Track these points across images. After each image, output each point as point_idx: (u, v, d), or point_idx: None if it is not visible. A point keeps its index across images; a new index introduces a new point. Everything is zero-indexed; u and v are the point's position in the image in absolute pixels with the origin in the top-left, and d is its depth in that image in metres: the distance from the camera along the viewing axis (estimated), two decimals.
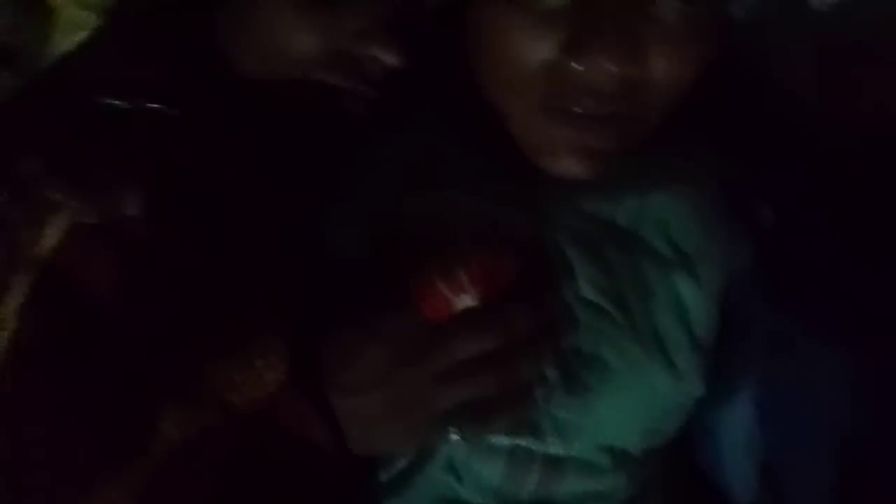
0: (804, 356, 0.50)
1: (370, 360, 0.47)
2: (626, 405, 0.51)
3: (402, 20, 0.54)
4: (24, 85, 0.60)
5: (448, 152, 0.55)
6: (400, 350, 0.46)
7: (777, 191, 0.51)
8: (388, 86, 0.56)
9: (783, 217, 0.51)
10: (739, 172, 0.54)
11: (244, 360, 0.48)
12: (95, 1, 0.98)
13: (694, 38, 0.46)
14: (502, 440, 0.51)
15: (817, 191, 0.50)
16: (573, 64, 0.45)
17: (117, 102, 0.50)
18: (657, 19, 0.45)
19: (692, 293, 0.52)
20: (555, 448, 0.51)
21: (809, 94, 0.55)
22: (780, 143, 0.52)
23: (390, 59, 0.54)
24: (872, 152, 0.50)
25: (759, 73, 0.55)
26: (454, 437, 0.47)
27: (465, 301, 0.47)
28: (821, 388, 0.50)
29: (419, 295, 0.48)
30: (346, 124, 0.57)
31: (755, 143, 0.54)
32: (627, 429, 0.53)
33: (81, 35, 1.00)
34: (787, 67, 0.56)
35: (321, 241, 0.55)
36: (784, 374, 0.51)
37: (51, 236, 0.49)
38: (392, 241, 0.53)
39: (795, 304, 0.50)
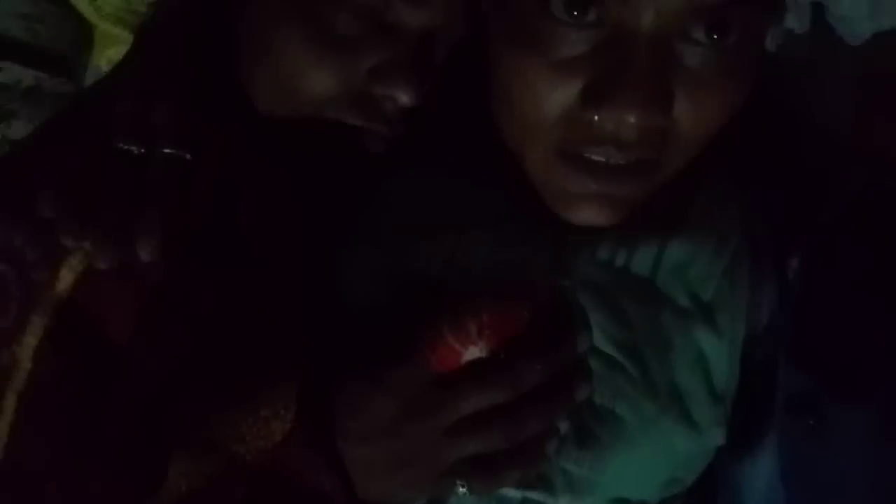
0: (827, 416, 0.48)
1: (378, 412, 0.46)
2: (642, 461, 0.50)
3: (420, 59, 0.53)
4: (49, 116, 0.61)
5: (465, 193, 0.54)
6: (408, 402, 0.45)
7: (805, 242, 0.49)
8: (406, 124, 0.56)
9: (809, 270, 0.48)
10: (765, 219, 0.52)
11: (251, 409, 0.48)
12: (128, 17, 0.99)
13: (723, 81, 0.44)
14: (513, 493, 0.50)
15: (846, 246, 0.48)
16: (594, 113, 0.44)
17: (134, 148, 0.50)
18: (682, 64, 0.43)
19: (713, 345, 0.50)
20: (566, 502, 0.50)
21: (844, 128, 0.52)
22: (810, 190, 0.50)
23: (406, 98, 0.53)
24: None
25: (791, 109, 0.53)
26: (462, 490, 0.46)
27: (474, 352, 0.46)
28: (845, 448, 0.48)
29: (429, 345, 0.47)
30: (364, 162, 0.57)
31: (784, 188, 0.52)
32: (643, 483, 0.51)
33: (116, 51, 1.01)
34: (822, 100, 0.54)
35: (337, 285, 0.54)
36: (807, 433, 0.49)
37: (66, 277, 0.50)
38: (407, 286, 0.52)
39: (819, 364, 0.48)
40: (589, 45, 0.44)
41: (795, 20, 0.51)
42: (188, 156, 0.51)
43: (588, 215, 0.48)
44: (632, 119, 0.43)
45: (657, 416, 0.49)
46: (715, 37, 0.43)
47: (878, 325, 0.47)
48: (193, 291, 0.51)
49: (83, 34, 1.07)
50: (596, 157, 0.46)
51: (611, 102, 0.43)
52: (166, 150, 0.50)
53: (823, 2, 0.49)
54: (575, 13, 0.43)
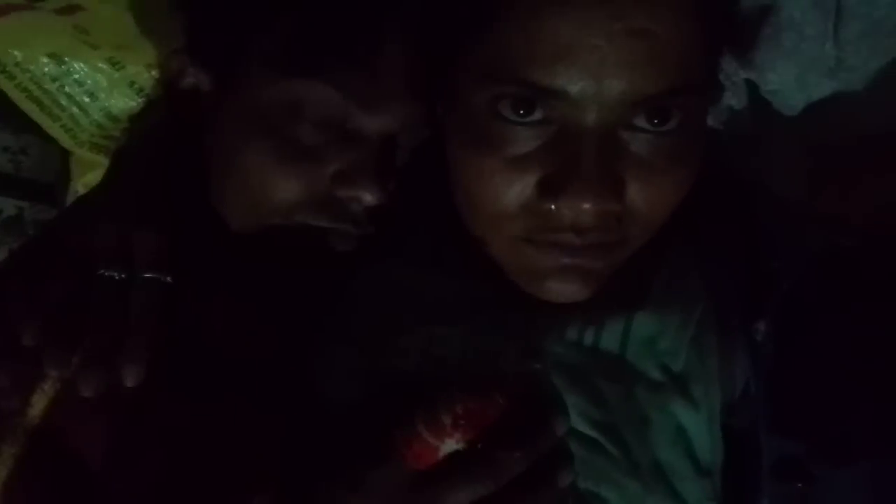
0: (816, 479, 0.47)
1: None
2: None
3: (381, 161, 0.55)
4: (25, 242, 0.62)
5: (435, 286, 0.55)
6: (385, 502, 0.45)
7: (770, 305, 0.50)
8: (374, 222, 0.57)
9: (778, 333, 0.49)
10: (728, 287, 0.52)
11: None
12: (104, 143, 1.01)
13: (670, 163, 0.47)
14: None
15: (811, 307, 0.48)
16: (551, 205, 0.46)
17: (116, 274, 0.51)
18: (629, 151, 0.46)
19: (690, 417, 0.50)
20: None
21: (798, 195, 0.54)
22: (769, 255, 0.51)
23: (370, 198, 0.55)
24: (868, 254, 0.49)
25: (743, 180, 0.55)
26: None
27: (451, 446, 0.46)
28: None
29: (405, 443, 0.46)
30: (335, 262, 0.58)
31: (743, 255, 0.53)
32: None
33: (93, 175, 1.03)
34: (772, 171, 0.55)
35: (314, 387, 0.54)
36: (797, 498, 0.48)
37: (38, 403, 0.50)
38: (384, 382, 0.52)
39: (801, 427, 0.48)
40: (539, 141, 0.46)
41: (733, 97, 0.54)
42: (169, 279, 0.51)
43: (560, 289, 0.49)
44: (587, 207, 0.45)
45: (643, 497, 0.48)
46: (656, 122, 0.45)
47: (855, 383, 0.47)
48: (169, 408, 0.51)
49: (67, 162, 1.10)
50: (557, 240, 0.48)
51: (566, 194, 0.45)
52: (148, 275, 0.51)
53: (754, 79, 0.51)
54: (522, 112, 0.46)
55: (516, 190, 0.47)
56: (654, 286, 0.52)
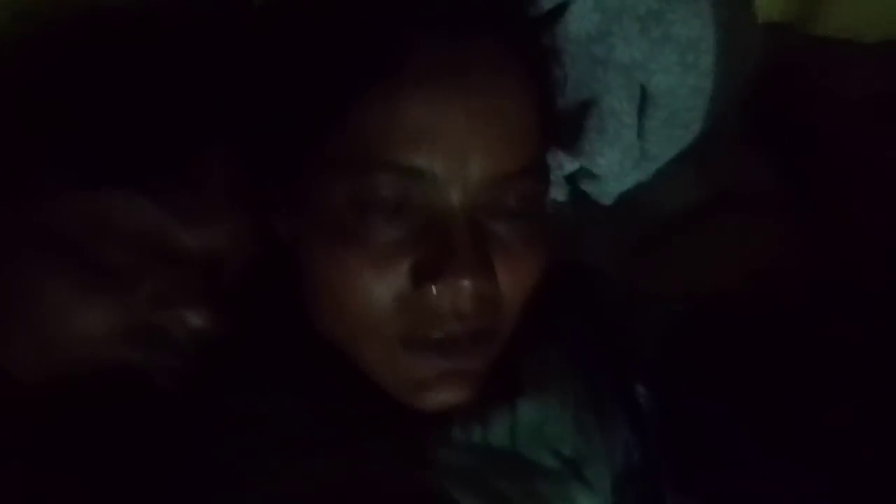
0: None
1: None
2: None
3: (207, 280, 0.49)
4: None
5: (292, 416, 0.48)
6: None
7: (642, 369, 0.50)
8: (203, 352, 0.49)
9: (656, 395, 0.49)
10: (592, 367, 0.52)
11: None
12: None
13: (529, 246, 0.47)
14: None
15: (679, 367, 0.50)
16: (431, 288, 0.43)
17: None
18: (495, 237, 0.46)
19: (589, 502, 0.47)
20: None
21: (628, 275, 0.57)
22: (625, 329, 0.52)
23: (198, 319, 0.47)
24: (702, 317, 0.52)
25: (583, 267, 0.57)
26: None
27: None
28: None
29: None
30: (160, 406, 0.48)
31: (599, 333, 0.54)
32: None
33: None
34: (606, 258, 0.59)
35: None
36: None
37: None
38: None
39: (700, 483, 0.47)
40: (405, 228, 0.44)
41: (557, 192, 0.57)
42: None
43: (444, 396, 0.46)
44: (467, 284, 0.43)
45: None
46: (512, 208, 0.46)
47: (739, 436, 0.48)
48: None
49: None
50: (437, 335, 0.45)
51: (446, 273, 0.43)
52: None
53: (586, 164, 0.55)
54: (384, 201, 0.44)
55: (389, 282, 0.44)
56: (523, 375, 0.50)
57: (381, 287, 0.44)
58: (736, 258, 0.60)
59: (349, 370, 0.48)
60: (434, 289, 0.43)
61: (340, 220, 0.45)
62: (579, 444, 0.49)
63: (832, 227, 0.61)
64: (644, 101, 0.53)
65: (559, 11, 0.51)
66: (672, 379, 0.49)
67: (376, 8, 0.45)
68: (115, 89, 0.48)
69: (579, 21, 0.51)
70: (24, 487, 0.43)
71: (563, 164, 0.56)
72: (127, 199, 0.46)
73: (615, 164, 0.55)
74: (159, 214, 0.47)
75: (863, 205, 0.59)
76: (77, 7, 0.51)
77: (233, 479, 0.44)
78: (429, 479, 0.44)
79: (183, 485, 0.46)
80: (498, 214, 0.46)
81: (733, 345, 0.51)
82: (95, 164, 0.46)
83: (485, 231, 0.45)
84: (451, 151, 0.43)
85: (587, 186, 0.58)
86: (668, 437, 0.48)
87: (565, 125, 0.54)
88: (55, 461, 0.44)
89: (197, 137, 0.48)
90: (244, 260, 0.51)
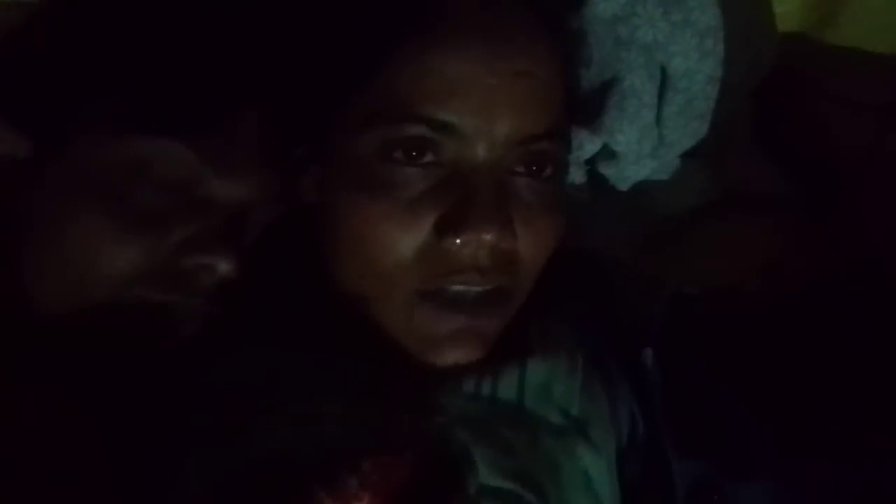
0: (727, 494, 0.47)
1: None
2: None
3: (234, 231, 0.50)
4: None
5: (303, 365, 0.49)
6: None
7: (650, 336, 0.51)
8: (224, 301, 0.51)
9: (662, 361, 0.50)
10: (598, 337, 0.54)
11: None
12: None
13: (547, 209, 0.49)
14: None
15: (683, 337, 0.51)
16: (454, 240, 0.45)
17: None
18: (517, 195, 0.47)
19: (594, 462, 0.48)
20: None
21: (628, 259, 0.59)
22: (633, 301, 0.54)
23: (226, 265, 0.49)
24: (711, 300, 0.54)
25: (592, 249, 0.59)
26: None
27: None
28: None
29: None
30: (175, 352, 0.49)
31: (605, 306, 0.55)
32: None
33: None
34: (618, 252, 0.60)
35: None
36: None
37: None
38: (255, 482, 0.43)
39: (704, 447, 0.48)
40: (431, 182, 0.46)
41: (575, 174, 0.59)
42: None
43: (458, 353, 0.47)
44: (489, 238, 0.45)
45: None
46: (534, 168, 0.48)
47: (741, 404, 0.49)
48: None
49: None
50: (457, 288, 0.46)
51: (469, 226, 0.44)
52: None
53: (606, 140, 0.57)
54: (414, 154, 0.46)
55: (413, 232, 0.46)
56: (532, 340, 0.51)
57: (406, 237, 0.46)
58: (744, 256, 0.61)
59: (363, 323, 0.49)
60: (456, 241, 0.45)
61: (369, 171, 0.46)
62: (585, 406, 0.50)
63: (839, 228, 0.62)
64: (664, 85, 0.56)
65: None
66: (677, 347, 0.50)
67: None
68: (158, 45, 0.50)
69: (606, 2, 0.54)
70: (36, 412, 0.44)
71: (584, 144, 0.58)
72: (164, 147, 0.48)
73: (633, 142, 0.57)
74: (194, 163, 0.49)
75: (870, 206, 0.60)
76: None
77: (247, 421, 0.46)
78: (439, 424, 0.45)
79: (195, 427, 0.47)
80: (521, 174, 0.47)
81: (740, 323, 0.52)
82: (137, 113, 0.48)
83: (507, 189, 0.47)
84: (479, 108, 0.45)
85: (605, 169, 0.60)
86: (672, 403, 0.49)
87: (588, 102, 0.56)
88: (69, 391, 0.46)
89: (234, 94, 0.51)
90: (267, 214, 0.54)
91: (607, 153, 0.59)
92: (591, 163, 0.61)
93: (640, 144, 0.57)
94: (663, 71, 0.55)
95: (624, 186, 0.61)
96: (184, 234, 0.49)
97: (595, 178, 0.62)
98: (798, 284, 0.61)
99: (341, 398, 0.46)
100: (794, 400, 0.49)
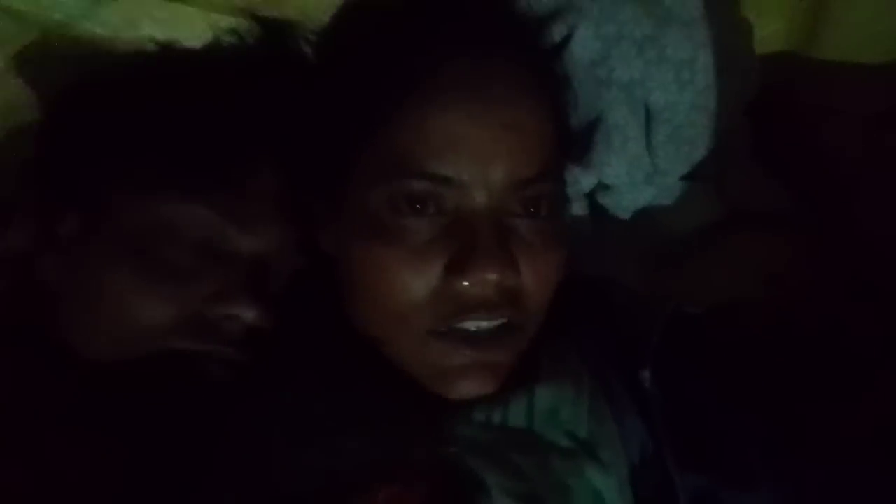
0: (730, 503, 0.49)
1: None
2: None
3: (256, 281, 0.55)
4: None
5: (327, 403, 0.53)
6: None
7: (647, 356, 0.54)
8: (252, 348, 0.55)
9: (660, 380, 0.52)
10: (604, 359, 0.56)
11: None
12: None
13: (547, 246, 0.52)
14: None
15: (680, 356, 0.53)
16: (461, 281, 0.49)
17: None
18: (518, 235, 0.51)
19: (604, 482, 0.50)
20: None
21: (646, 290, 0.61)
22: (632, 325, 0.56)
23: (250, 314, 0.54)
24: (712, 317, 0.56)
25: (597, 277, 0.61)
26: None
27: None
28: None
29: None
30: (210, 396, 0.54)
31: (609, 330, 0.57)
32: None
33: None
34: (626, 274, 0.63)
35: None
36: None
37: None
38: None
39: (704, 461, 0.50)
40: (436, 230, 0.50)
41: (577, 207, 0.62)
42: None
43: (471, 387, 0.51)
44: (493, 277, 0.48)
45: None
46: (531, 210, 0.52)
47: (739, 414, 0.50)
48: None
49: None
50: (467, 325, 0.50)
51: (475, 267, 0.48)
52: None
53: (595, 176, 0.60)
54: (418, 206, 0.50)
55: (424, 278, 0.49)
56: (541, 366, 0.54)
57: (417, 282, 0.49)
58: (751, 274, 0.63)
59: (381, 362, 0.53)
60: (464, 282, 0.49)
61: (379, 222, 0.50)
62: (594, 428, 0.52)
63: (840, 238, 0.63)
64: (649, 118, 0.59)
65: (565, 40, 0.57)
66: (676, 365, 0.52)
67: (407, 37, 0.52)
68: (180, 117, 0.56)
69: (582, 48, 0.58)
70: (77, 451, 0.49)
71: (579, 178, 0.61)
72: (189, 210, 0.54)
73: (623, 174, 0.60)
74: (217, 221, 0.54)
75: (866, 213, 0.61)
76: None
77: (276, 460, 0.50)
78: (452, 453, 0.48)
79: (225, 459, 0.51)
80: (519, 215, 0.51)
81: (742, 336, 0.54)
82: (164, 179, 0.54)
83: (508, 229, 0.50)
84: (474, 160, 0.49)
85: (604, 199, 0.63)
86: (672, 418, 0.51)
87: (577, 140, 0.60)
88: (108, 432, 0.50)
89: (251, 157, 0.56)
90: (289, 265, 0.58)
91: (603, 185, 0.62)
92: (591, 195, 0.64)
93: (631, 174, 0.60)
94: (647, 106, 0.58)
95: (625, 214, 0.64)
96: (211, 288, 0.54)
97: (599, 208, 0.65)
98: (802, 296, 0.62)
99: (361, 433, 0.50)
100: (794, 409, 0.50)
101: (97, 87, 0.59)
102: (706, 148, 0.62)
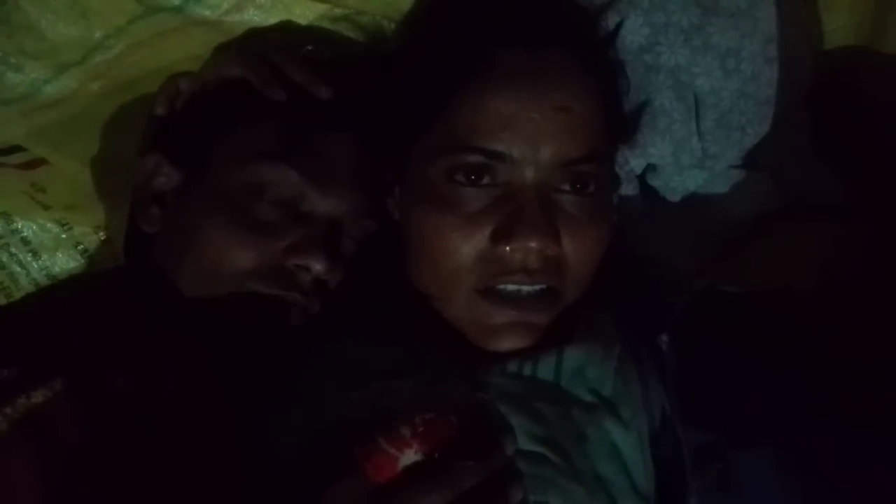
0: (731, 461, 0.52)
1: None
2: None
3: (329, 239, 0.62)
4: None
5: (383, 354, 0.60)
6: None
7: (668, 323, 0.58)
8: (321, 299, 0.62)
9: (678, 344, 0.57)
10: (635, 328, 0.60)
11: None
12: None
13: (591, 221, 0.57)
14: None
15: (700, 324, 0.57)
16: (505, 247, 0.55)
17: None
18: (562, 209, 0.56)
19: (623, 437, 0.54)
20: None
21: (689, 267, 0.64)
22: (662, 296, 0.59)
23: (320, 266, 0.61)
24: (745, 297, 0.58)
25: (639, 255, 0.65)
26: None
27: (410, 457, 0.48)
28: (753, 490, 0.52)
29: (364, 457, 0.48)
30: (285, 338, 0.62)
31: (641, 302, 0.61)
32: None
33: None
34: (665, 254, 0.66)
35: (269, 448, 0.55)
36: (719, 482, 0.53)
37: None
38: (333, 436, 0.53)
39: (711, 417, 0.54)
40: (488, 200, 0.56)
41: (628, 186, 0.66)
42: None
43: (511, 342, 0.57)
44: (533, 245, 0.54)
45: (588, 501, 0.50)
46: (578, 186, 0.57)
47: (745, 383, 0.54)
48: (111, 459, 0.50)
49: None
50: (510, 287, 0.56)
51: (518, 235, 0.54)
52: None
53: (640, 156, 0.64)
54: (473, 178, 0.56)
55: (473, 241, 0.56)
56: (576, 330, 0.59)
57: (467, 245, 0.56)
58: (806, 264, 0.64)
59: (432, 318, 0.59)
60: (507, 248, 0.54)
61: (437, 191, 0.57)
62: (619, 388, 0.56)
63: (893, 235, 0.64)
64: (697, 103, 0.62)
65: (617, 28, 0.62)
66: (699, 331, 0.55)
67: (471, 28, 0.59)
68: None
69: (632, 35, 0.62)
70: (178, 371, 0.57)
71: (630, 160, 0.65)
72: (279, 171, 0.62)
73: (668, 154, 0.63)
74: (299, 183, 0.62)
75: None
76: None
77: (327, 390, 0.57)
78: (484, 397, 0.54)
79: (287, 390, 0.59)
80: (566, 191, 0.56)
81: (775, 315, 0.56)
82: (258, 144, 0.62)
83: (553, 204, 0.56)
84: (525, 139, 0.55)
85: (654, 181, 0.67)
86: (683, 377, 0.55)
87: (626, 123, 0.63)
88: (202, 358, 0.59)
89: (334, 131, 0.64)
90: (361, 227, 0.65)
91: (651, 166, 0.66)
92: (642, 178, 0.67)
93: (676, 157, 0.63)
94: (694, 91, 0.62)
95: (674, 197, 0.67)
96: (288, 241, 0.61)
97: (651, 191, 0.68)
98: (856, 289, 0.62)
99: (409, 378, 0.56)
100: (801, 374, 0.52)
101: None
102: (757, 135, 0.64)
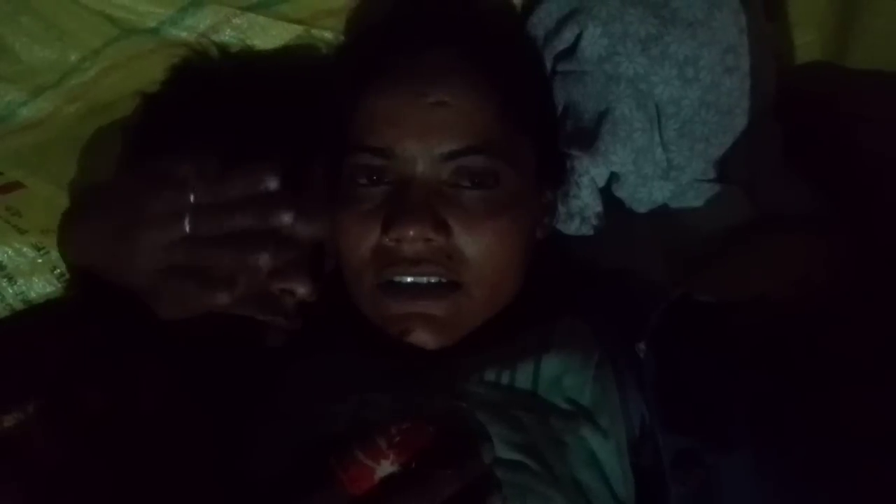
0: (710, 467, 0.53)
1: None
2: None
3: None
4: None
5: (362, 365, 0.61)
6: None
7: (646, 331, 0.59)
8: (302, 319, 0.63)
9: (655, 352, 0.58)
10: (614, 338, 0.61)
11: None
12: None
13: (492, 215, 0.60)
14: None
15: (676, 332, 0.58)
16: (387, 239, 0.58)
17: None
18: (458, 203, 0.59)
19: (601, 445, 0.54)
20: None
21: (663, 280, 0.65)
22: (639, 306, 0.60)
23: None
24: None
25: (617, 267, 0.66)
26: None
27: (386, 468, 0.48)
28: (734, 495, 0.53)
29: (341, 468, 0.48)
30: (265, 354, 0.62)
31: (619, 312, 0.62)
32: None
33: None
34: (650, 269, 0.67)
35: (247, 464, 0.55)
36: (699, 488, 0.53)
37: None
38: (317, 450, 0.53)
39: (689, 424, 0.54)
40: (382, 197, 0.60)
41: (588, 196, 0.67)
42: None
43: (417, 335, 0.59)
44: (411, 233, 0.57)
45: None
46: (476, 181, 0.60)
47: (724, 388, 0.55)
48: (87, 480, 0.50)
49: None
50: (407, 280, 0.59)
51: (395, 224, 0.58)
52: None
53: (601, 165, 0.65)
54: (374, 178, 0.60)
55: (368, 237, 0.60)
56: (552, 342, 0.60)
57: (363, 241, 0.60)
58: (782, 275, 0.65)
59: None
60: (387, 238, 0.58)
61: (344, 194, 0.61)
62: (597, 396, 0.57)
63: (872, 244, 0.65)
64: (658, 113, 0.64)
65: (577, 39, 0.65)
66: (675, 338, 0.56)
67: (371, 39, 0.65)
68: (247, 114, 0.65)
69: (591, 45, 0.64)
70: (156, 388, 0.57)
71: (590, 169, 0.66)
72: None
73: (629, 163, 0.65)
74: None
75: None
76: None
77: (306, 404, 0.57)
78: (462, 406, 0.54)
79: (266, 406, 0.59)
80: (464, 187, 0.59)
81: (751, 323, 0.57)
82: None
83: (444, 197, 0.59)
84: (406, 134, 0.59)
85: (618, 192, 0.68)
86: (662, 384, 0.55)
87: (588, 132, 0.66)
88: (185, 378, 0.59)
89: (309, 157, 0.65)
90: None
91: (615, 176, 0.67)
92: (607, 190, 0.69)
93: (638, 165, 0.65)
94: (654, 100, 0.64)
95: (641, 208, 0.68)
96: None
97: (615, 202, 0.69)
98: (832, 299, 0.63)
99: (388, 389, 0.56)
100: (777, 381, 0.53)
101: (176, 87, 0.69)
102: (722, 146, 0.65)
